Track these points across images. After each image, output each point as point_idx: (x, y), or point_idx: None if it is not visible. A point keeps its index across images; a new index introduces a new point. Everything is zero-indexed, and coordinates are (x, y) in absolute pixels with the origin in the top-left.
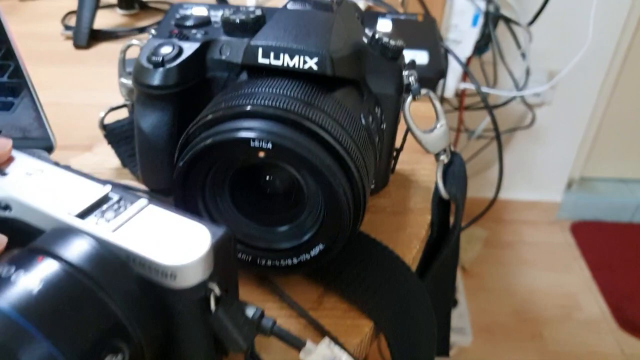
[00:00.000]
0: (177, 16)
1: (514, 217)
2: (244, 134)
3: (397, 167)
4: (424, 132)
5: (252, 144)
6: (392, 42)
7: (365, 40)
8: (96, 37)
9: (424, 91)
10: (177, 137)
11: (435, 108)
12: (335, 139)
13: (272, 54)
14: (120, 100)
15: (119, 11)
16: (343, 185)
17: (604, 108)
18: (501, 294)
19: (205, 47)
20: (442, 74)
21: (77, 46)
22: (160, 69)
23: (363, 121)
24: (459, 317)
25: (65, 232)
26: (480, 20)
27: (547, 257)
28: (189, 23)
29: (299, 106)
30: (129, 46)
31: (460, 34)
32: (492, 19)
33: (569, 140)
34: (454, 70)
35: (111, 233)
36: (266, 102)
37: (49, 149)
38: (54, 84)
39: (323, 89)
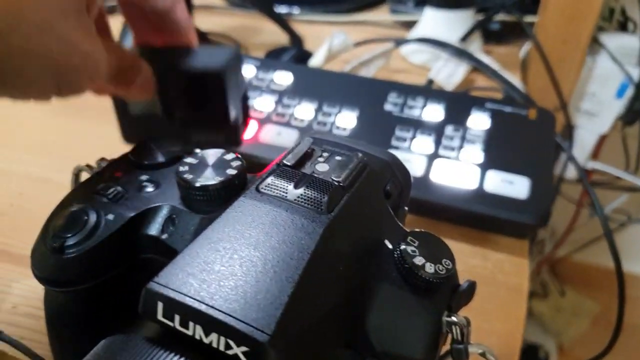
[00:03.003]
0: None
1: (636, 294)
2: None
3: None
4: None
5: None
6: (429, 270)
7: (388, 244)
8: None
9: (476, 349)
10: (91, 327)
11: None
12: None
13: (177, 318)
14: None
15: None
16: None
17: None
18: None
19: (139, 219)
20: (545, 219)
21: None
22: (57, 258)
23: None
24: None
25: None
26: (630, 91)
27: None
28: (148, 160)
29: None
30: (80, 171)
31: (598, 105)
32: None
33: None
34: (582, 147)
35: None
36: None
37: None
38: None
39: None
